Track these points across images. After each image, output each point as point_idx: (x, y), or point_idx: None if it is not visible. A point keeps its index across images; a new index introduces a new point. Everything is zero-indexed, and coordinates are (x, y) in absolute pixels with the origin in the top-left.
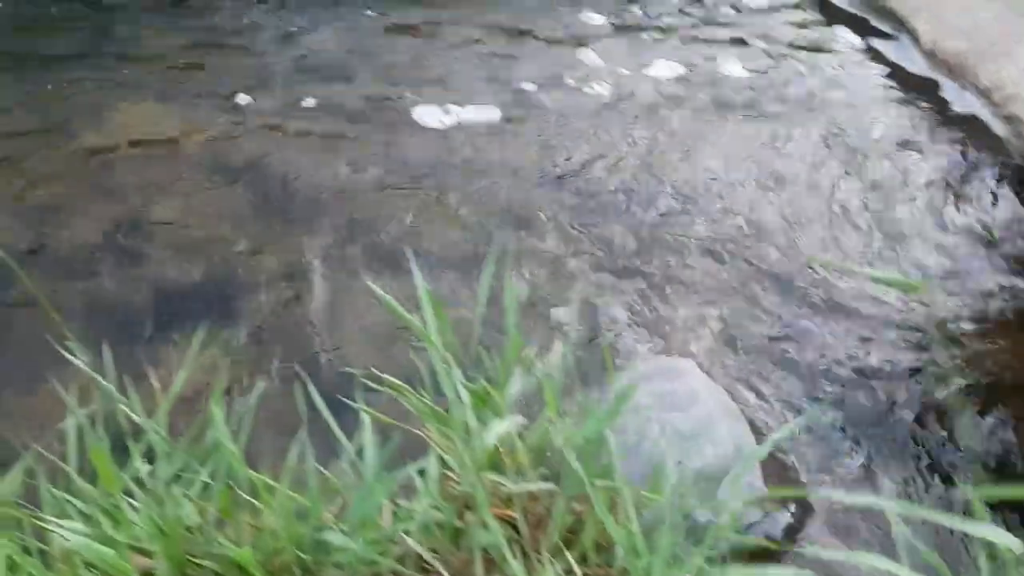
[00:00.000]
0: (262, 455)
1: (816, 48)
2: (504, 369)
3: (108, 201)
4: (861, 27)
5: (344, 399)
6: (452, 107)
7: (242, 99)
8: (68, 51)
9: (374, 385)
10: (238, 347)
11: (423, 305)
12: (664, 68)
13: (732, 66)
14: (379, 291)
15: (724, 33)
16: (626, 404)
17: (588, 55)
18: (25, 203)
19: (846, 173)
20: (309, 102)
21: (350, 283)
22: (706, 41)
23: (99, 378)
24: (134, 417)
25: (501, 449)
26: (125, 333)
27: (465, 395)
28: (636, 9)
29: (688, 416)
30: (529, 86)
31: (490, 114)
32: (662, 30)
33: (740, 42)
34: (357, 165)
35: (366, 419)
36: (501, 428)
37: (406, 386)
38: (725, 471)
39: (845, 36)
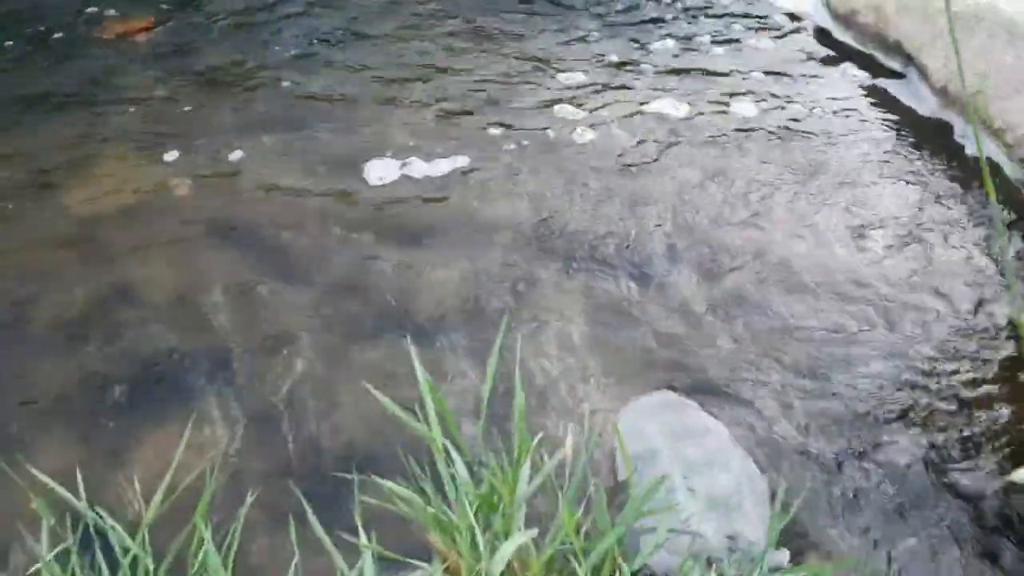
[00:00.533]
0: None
1: (821, 86)
2: (514, 472)
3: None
4: (868, 64)
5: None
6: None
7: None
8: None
9: (372, 487)
10: (223, 429)
11: (423, 393)
12: (669, 106)
13: (739, 106)
14: (378, 394)
15: (723, 69)
16: (642, 511)
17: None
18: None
19: (858, 224)
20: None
21: (341, 351)
22: (706, 78)
23: (74, 501)
24: (115, 544)
25: (515, 564)
26: (103, 412)
27: (472, 497)
28: (632, 48)
29: (701, 446)
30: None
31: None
32: (661, 71)
33: (742, 81)
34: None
35: (367, 556)
36: (513, 546)
37: (407, 492)
38: (739, 498)
39: (852, 73)
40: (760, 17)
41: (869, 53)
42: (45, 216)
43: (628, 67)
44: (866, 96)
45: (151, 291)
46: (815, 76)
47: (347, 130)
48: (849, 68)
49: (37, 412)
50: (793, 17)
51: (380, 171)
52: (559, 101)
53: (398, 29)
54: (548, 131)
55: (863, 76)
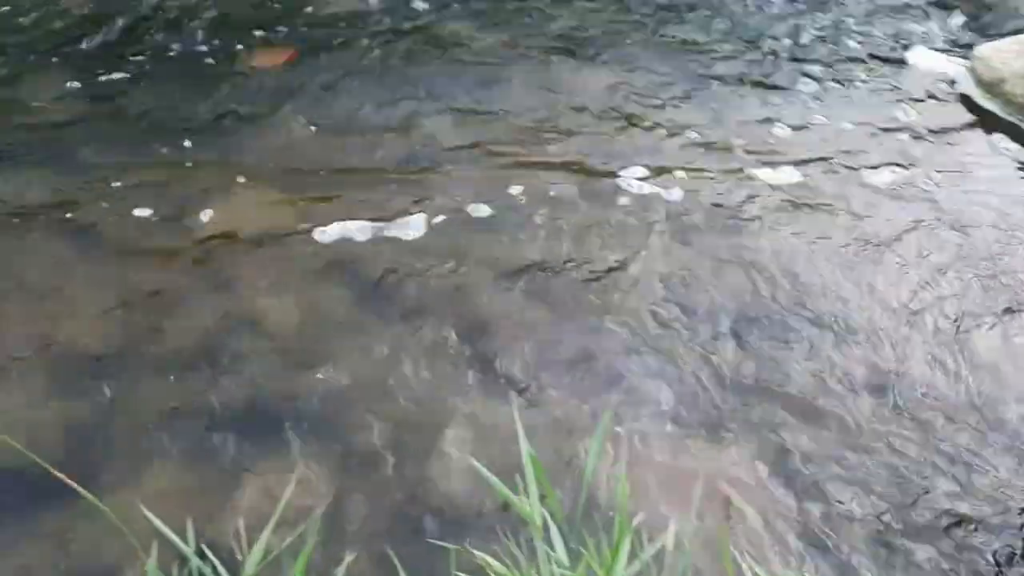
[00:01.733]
0: None
1: (970, 161)
2: (613, 556)
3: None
4: (1019, 134)
5: None
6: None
7: None
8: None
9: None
10: (325, 475)
11: (525, 470)
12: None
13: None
14: (480, 467)
15: (861, 140)
16: None
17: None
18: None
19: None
20: None
21: (447, 403)
22: (837, 143)
23: (180, 543)
24: None
25: None
26: (210, 447)
27: None
28: (762, 109)
29: None
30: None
31: None
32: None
33: (884, 153)
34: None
35: None
36: None
37: (502, 569)
38: None
39: (1005, 146)
40: (898, 83)
41: (1016, 123)
42: (176, 243)
43: (763, 127)
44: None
45: (273, 325)
46: (964, 148)
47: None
48: (1000, 140)
49: (147, 438)
50: (936, 82)
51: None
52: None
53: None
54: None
55: (1016, 149)
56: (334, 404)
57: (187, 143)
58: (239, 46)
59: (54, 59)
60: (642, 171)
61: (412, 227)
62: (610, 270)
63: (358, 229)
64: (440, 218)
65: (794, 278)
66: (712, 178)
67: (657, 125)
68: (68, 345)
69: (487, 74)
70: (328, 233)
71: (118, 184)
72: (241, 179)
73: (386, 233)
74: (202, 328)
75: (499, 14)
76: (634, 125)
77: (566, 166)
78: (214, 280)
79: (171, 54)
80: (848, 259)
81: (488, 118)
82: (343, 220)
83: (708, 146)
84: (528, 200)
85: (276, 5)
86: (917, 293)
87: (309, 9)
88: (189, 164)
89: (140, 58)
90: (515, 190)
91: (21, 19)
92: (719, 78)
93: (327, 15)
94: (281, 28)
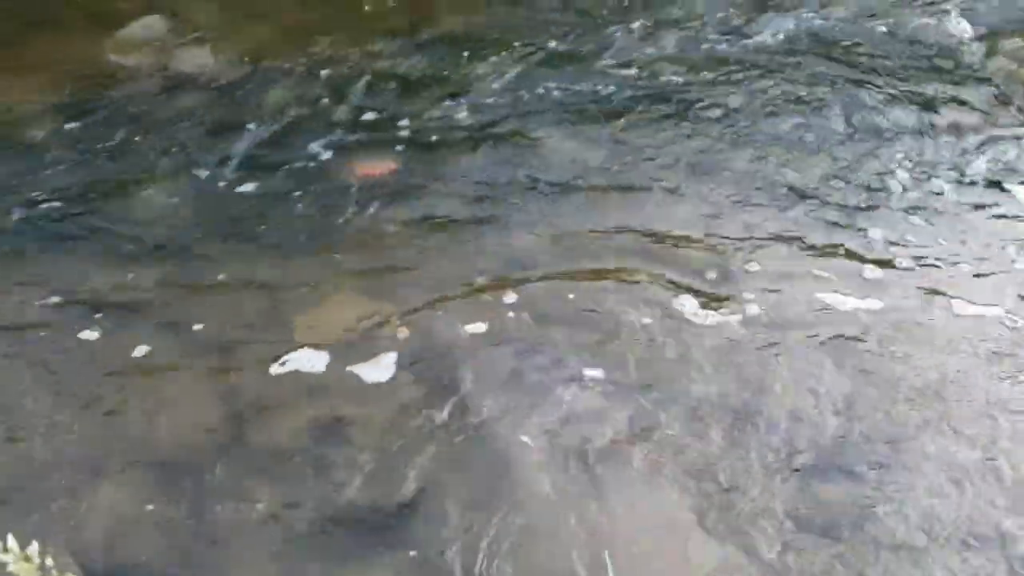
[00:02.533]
0: None
1: None
2: None
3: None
4: None
5: None
6: None
7: None
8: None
9: None
10: None
11: None
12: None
13: None
14: None
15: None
16: None
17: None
18: None
19: None
20: None
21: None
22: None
23: None
24: None
25: None
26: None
27: None
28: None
29: None
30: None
31: None
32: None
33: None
34: None
35: None
36: None
37: None
38: None
39: None
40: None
41: None
42: (272, 345)
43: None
44: None
45: (360, 432)
46: None
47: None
48: None
49: (235, 537)
50: None
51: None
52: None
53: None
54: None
55: None
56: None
57: (290, 246)
58: (344, 155)
59: (170, 160)
60: None
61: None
62: None
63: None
64: None
65: None
66: None
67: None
68: (168, 444)
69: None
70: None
71: (222, 280)
72: (340, 284)
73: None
74: (291, 431)
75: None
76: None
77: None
78: (306, 384)
79: (280, 160)
80: None
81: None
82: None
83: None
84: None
85: (381, 115)
86: None
87: (410, 121)
88: (290, 266)
89: (250, 163)
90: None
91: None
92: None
93: (431, 126)
94: (386, 138)
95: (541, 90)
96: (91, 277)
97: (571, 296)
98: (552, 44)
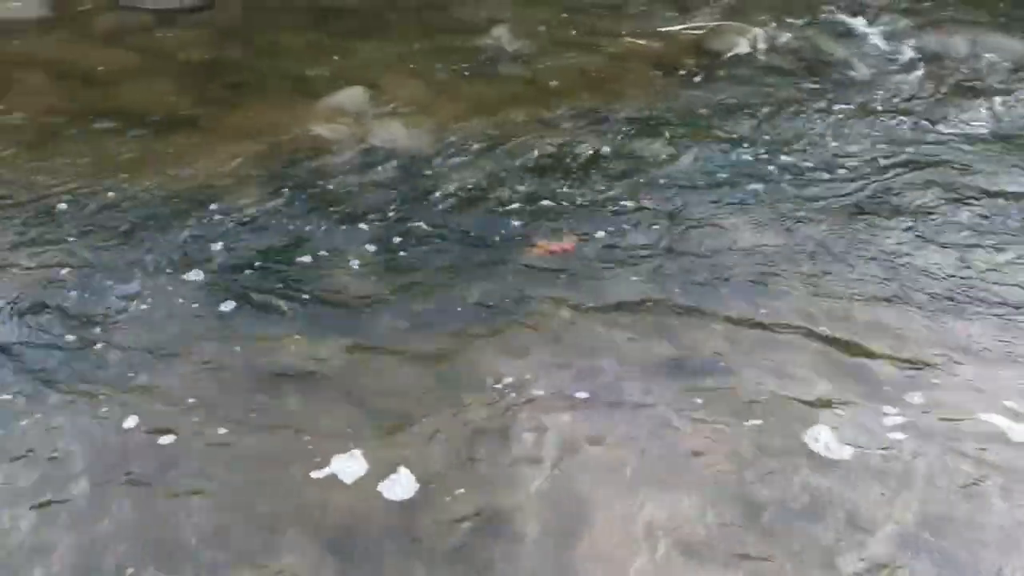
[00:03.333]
0: None
1: None
2: None
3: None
4: None
5: None
6: None
7: None
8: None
9: None
10: None
11: None
12: None
13: None
14: None
15: None
16: None
17: None
18: None
19: None
20: None
21: None
22: None
23: None
24: None
25: None
26: None
27: None
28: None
29: None
30: None
31: None
32: None
33: None
34: None
35: None
36: None
37: None
38: None
39: None
40: None
41: None
42: (445, 424)
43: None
44: None
45: (523, 523)
46: None
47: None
48: None
49: None
50: None
51: None
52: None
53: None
54: None
55: None
56: None
57: (466, 320)
58: (524, 230)
59: (360, 226)
60: None
61: None
62: None
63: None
64: None
65: None
66: None
67: None
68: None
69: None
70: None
71: (400, 353)
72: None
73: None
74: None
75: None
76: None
77: None
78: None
79: (460, 232)
80: None
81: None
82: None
83: None
84: None
85: (562, 191)
86: None
87: (592, 198)
88: (466, 337)
89: (442, 236)
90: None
91: (336, 188)
92: None
93: (613, 205)
94: (566, 215)
95: (725, 174)
96: (282, 350)
97: None
98: (742, 129)
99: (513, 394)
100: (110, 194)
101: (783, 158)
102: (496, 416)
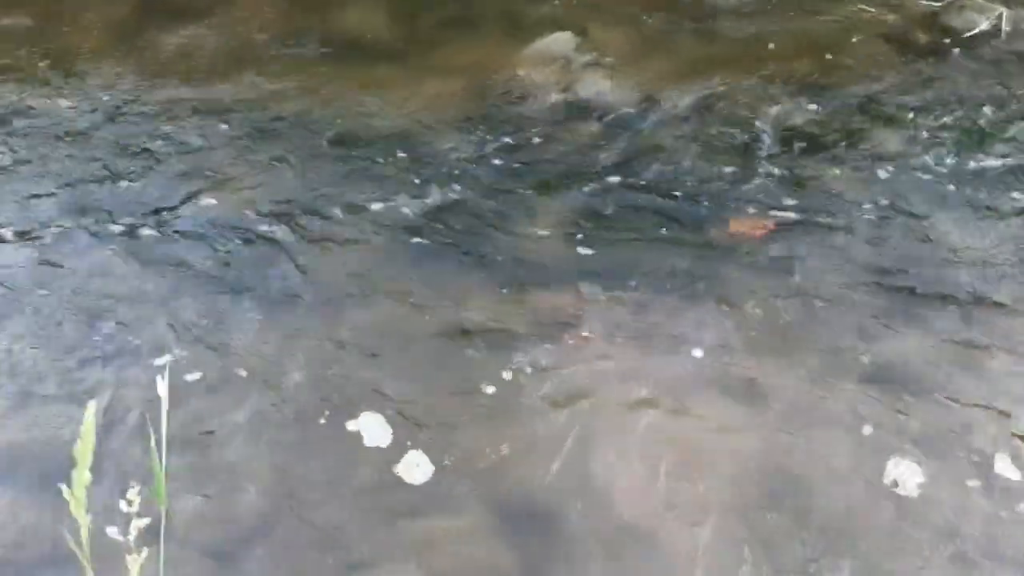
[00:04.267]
0: None
1: None
2: None
3: None
4: None
5: None
6: None
7: None
8: None
9: None
10: None
11: None
12: None
13: None
14: None
15: None
16: None
17: None
18: None
19: None
20: None
21: None
22: None
23: None
24: None
25: None
26: None
27: None
28: None
29: None
30: None
31: None
32: None
33: None
34: None
35: None
36: None
37: None
38: None
39: None
40: None
41: None
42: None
43: None
44: None
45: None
46: None
47: None
48: None
49: None
50: None
51: None
52: None
53: None
54: None
55: None
56: None
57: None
58: (720, 208)
59: (555, 186)
60: None
61: None
62: None
63: None
64: None
65: None
66: None
67: None
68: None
69: None
70: None
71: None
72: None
73: None
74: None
75: None
76: None
77: None
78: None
79: (651, 202)
80: None
81: None
82: None
83: None
84: None
85: (768, 167)
86: None
87: (798, 180)
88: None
89: (625, 198)
90: None
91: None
92: None
93: (822, 190)
94: (768, 194)
95: (946, 169)
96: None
97: None
98: (982, 123)
99: None
100: (312, 123)
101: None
102: None
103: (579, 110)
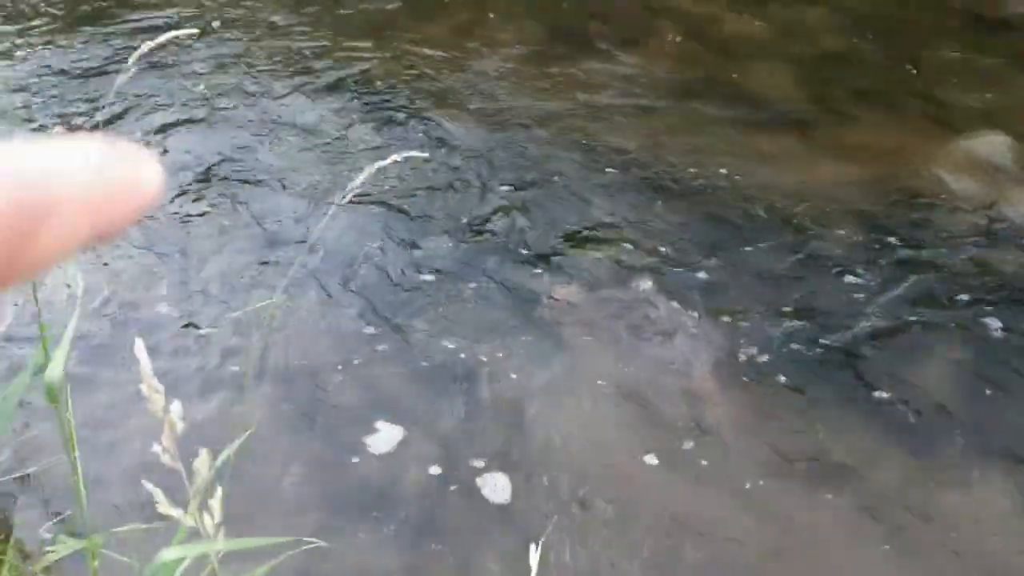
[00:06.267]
0: None
1: None
2: None
3: None
4: None
5: None
6: None
7: None
8: None
9: None
10: None
11: None
12: None
13: None
14: None
15: None
16: None
17: None
18: None
19: None
20: None
21: None
22: None
23: None
24: None
25: None
26: None
27: None
28: None
29: None
30: None
31: None
32: None
33: None
34: None
35: None
36: None
37: None
38: None
39: None
40: None
41: None
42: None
43: None
44: None
45: None
46: None
47: None
48: None
49: None
50: None
51: None
52: None
53: None
54: None
55: None
56: None
57: None
58: None
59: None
60: None
61: None
62: None
63: None
64: None
65: None
66: None
67: None
68: None
69: None
70: None
71: None
72: None
73: None
74: None
75: None
76: None
77: None
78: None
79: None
80: None
81: None
82: None
83: None
84: None
85: None
86: None
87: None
88: None
89: None
90: None
91: (939, 260)
92: None
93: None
94: None
95: None
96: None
97: None
98: None
99: None
100: (699, 180)
101: None
102: None
103: (1004, 234)
